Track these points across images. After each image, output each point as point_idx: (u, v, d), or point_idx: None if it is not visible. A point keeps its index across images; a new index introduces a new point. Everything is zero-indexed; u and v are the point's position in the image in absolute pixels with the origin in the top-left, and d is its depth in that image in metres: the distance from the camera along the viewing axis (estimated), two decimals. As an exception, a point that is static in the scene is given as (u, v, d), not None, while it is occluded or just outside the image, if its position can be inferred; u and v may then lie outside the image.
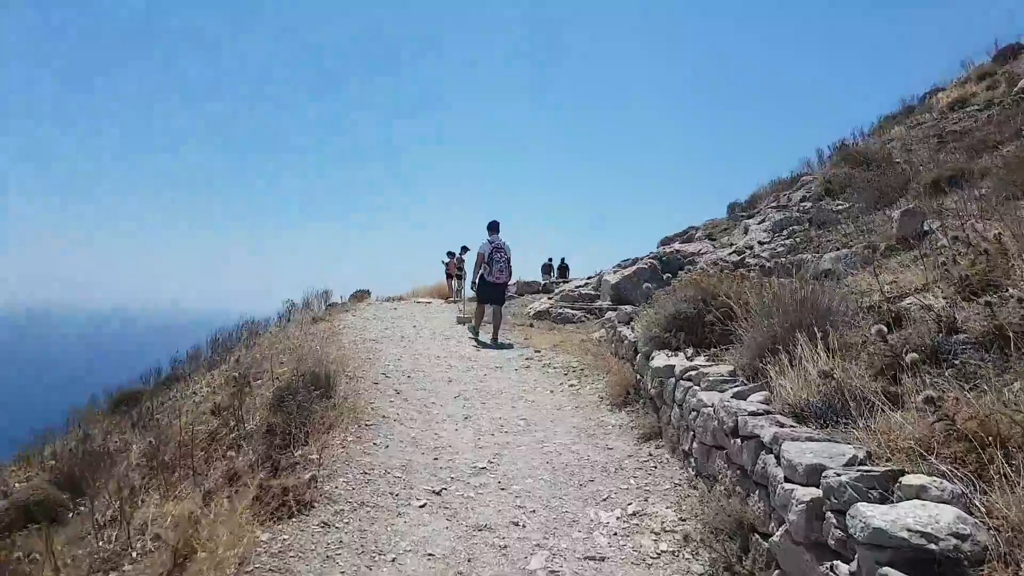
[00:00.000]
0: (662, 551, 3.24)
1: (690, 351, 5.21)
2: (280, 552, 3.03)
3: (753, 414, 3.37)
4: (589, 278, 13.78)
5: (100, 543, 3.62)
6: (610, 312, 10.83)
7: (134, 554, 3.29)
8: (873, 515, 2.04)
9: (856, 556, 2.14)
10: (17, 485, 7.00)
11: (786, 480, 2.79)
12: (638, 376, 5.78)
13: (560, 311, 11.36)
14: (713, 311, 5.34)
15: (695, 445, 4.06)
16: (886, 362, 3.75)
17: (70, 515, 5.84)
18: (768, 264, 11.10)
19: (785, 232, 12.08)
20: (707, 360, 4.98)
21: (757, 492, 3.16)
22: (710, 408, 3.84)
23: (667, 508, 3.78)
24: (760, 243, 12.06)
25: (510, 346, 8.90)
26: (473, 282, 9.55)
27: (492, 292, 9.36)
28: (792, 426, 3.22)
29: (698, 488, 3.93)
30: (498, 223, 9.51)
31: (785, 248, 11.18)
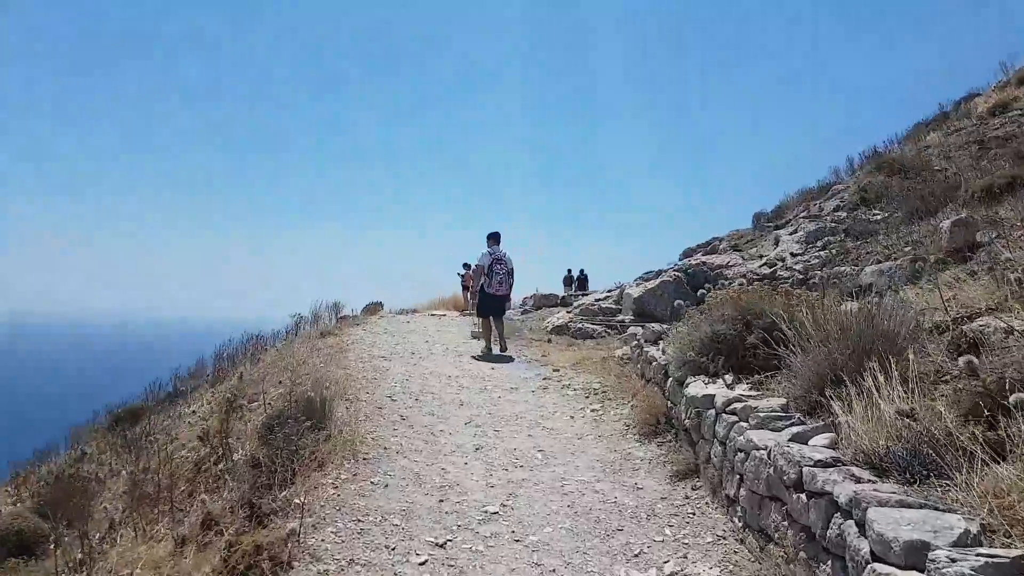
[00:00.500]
0: (711, 632, 2.64)
1: (730, 377, 4.60)
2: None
3: (821, 464, 2.77)
4: (609, 291, 13.17)
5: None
6: (633, 327, 10.21)
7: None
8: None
9: None
10: (4, 508, 6.59)
11: (875, 558, 2.19)
12: (669, 403, 5.17)
13: (580, 326, 10.76)
14: (756, 332, 4.73)
15: (743, 492, 3.46)
16: (976, 400, 3.13)
17: (48, 546, 5.38)
18: (802, 277, 10.45)
19: (819, 243, 11.40)
20: (750, 388, 4.38)
21: (830, 562, 2.55)
22: (763, 452, 3.24)
23: (711, 568, 3.17)
24: (793, 255, 11.38)
25: (510, 359, 8.59)
26: (473, 293, 9.35)
27: (492, 304, 9.11)
28: (871, 480, 2.61)
29: (747, 544, 3.32)
30: (499, 234, 9.26)
31: (820, 260, 10.51)
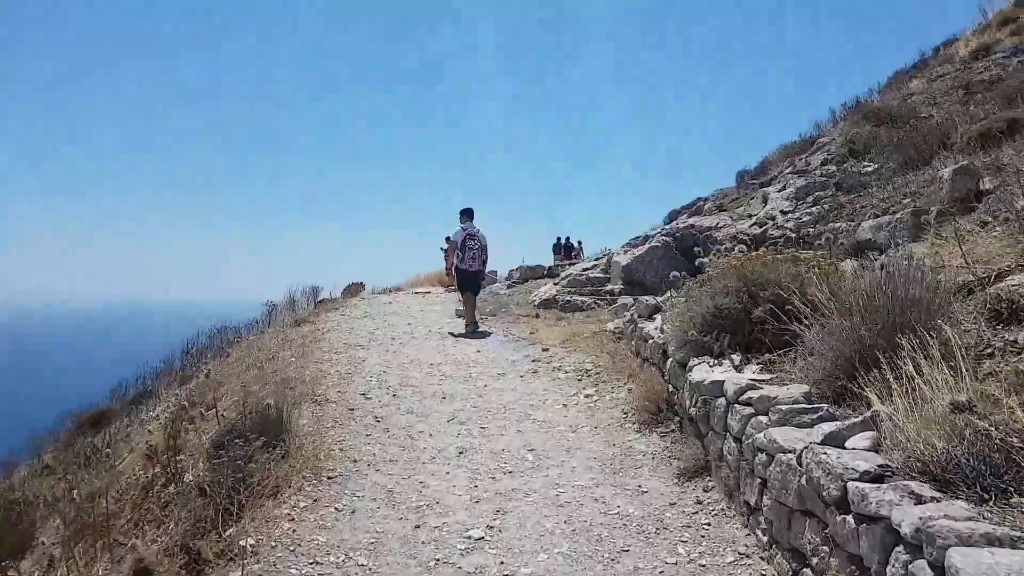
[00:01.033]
0: None
1: (737, 358, 4.06)
2: None
3: (869, 477, 2.24)
4: (597, 259, 12.60)
5: None
6: (623, 298, 9.67)
7: None
8: None
9: None
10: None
11: (966, 618, 1.66)
12: (670, 387, 4.64)
13: (568, 298, 10.19)
14: (763, 305, 4.18)
15: (766, 500, 2.93)
16: (1041, 382, 2.61)
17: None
18: (794, 235, 9.91)
19: (810, 199, 10.82)
20: (761, 370, 3.84)
21: (893, 606, 2.03)
22: (790, 456, 2.70)
23: (736, 597, 2.66)
24: (783, 212, 10.81)
25: (486, 334, 8.42)
26: (447, 271, 9.38)
27: (467, 280, 9.03)
28: (934, 499, 2.09)
29: (776, 565, 2.81)
30: (472, 210, 9.15)
31: (812, 217, 9.96)
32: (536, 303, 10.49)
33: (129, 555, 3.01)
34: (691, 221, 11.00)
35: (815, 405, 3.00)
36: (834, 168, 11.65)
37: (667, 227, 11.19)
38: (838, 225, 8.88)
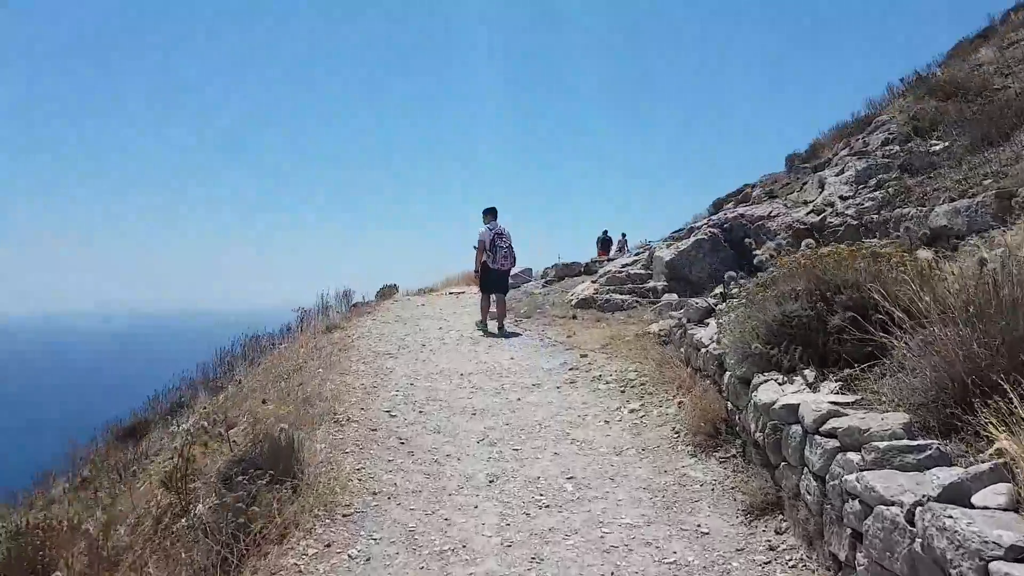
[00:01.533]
0: None
1: (811, 374, 3.49)
2: None
3: (1017, 556, 1.68)
4: (637, 254, 11.97)
5: None
6: (667, 295, 9.07)
7: None
8: None
9: None
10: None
11: None
12: (729, 404, 4.09)
13: (607, 297, 9.64)
14: (840, 312, 3.59)
15: (860, 558, 2.38)
16: None
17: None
18: (855, 223, 9.13)
19: (872, 183, 9.98)
20: (841, 388, 3.27)
21: None
22: (896, 510, 2.15)
23: None
24: (842, 198, 10.00)
25: (517, 335, 8.28)
26: (476, 271, 9.04)
27: (497, 279, 8.87)
28: None
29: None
30: (496, 209, 8.96)
31: (875, 203, 9.14)
32: (573, 303, 9.97)
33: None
34: (740, 211, 10.28)
35: (922, 442, 2.42)
36: (897, 148, 10.74)
37: (714, 217, 10.49)
38: (907, 211, 8.08)
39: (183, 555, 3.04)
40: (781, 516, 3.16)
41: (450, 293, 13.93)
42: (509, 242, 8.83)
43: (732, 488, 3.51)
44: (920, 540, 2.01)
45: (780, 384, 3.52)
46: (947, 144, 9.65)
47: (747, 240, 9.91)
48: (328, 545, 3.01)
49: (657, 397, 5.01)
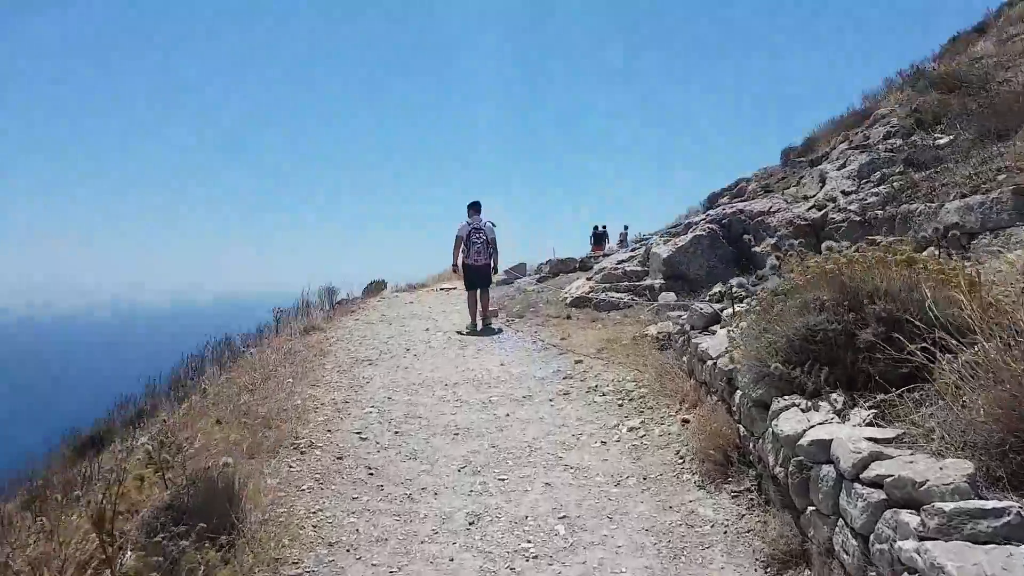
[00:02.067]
0: None
1: (839, 399, 2.98)
2: None
3: None
4: (633, 250, 11.46)
5: None
6: (665, 294, 8.57)
7: None
8: None
9: None
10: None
11: None
12: (741, 428, 3.58)
13: (602, 296, 9.12)
14: (872, 325, 3.09)
15: (926, 651, 1.88)
16: None
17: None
18: (859, 218, 8.65)
19: (875, 177, 9.48)
20: (875, 417, 2.76)
21: None
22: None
23: None
24: (845, 193, 9.50)
25: (499, 331, 8.18)
26: (455, 265, 8.88)
27: (473, 275, 8.65)
28: None
29: None
30: (479, 204, 8.85)
31: (879, 198, 8.65)
32: (567, 301, 9.45)
33: None
34: (739, 205, 9.77)
35: (997, 504, 1.91)
36: (900, 142, 10.25)
37: (712, 212, 9.98)
38: (914, 207, 7.59)
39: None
40: (807, 571, 2.66)
41: (440, 289, 13.38)
42: (487, 237, 8.62)
43: (748, 532, 3.00)
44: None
45: (804, 411, 3.00)
46: (952, 137, 9.15)
47: (746, 236, 9.44)
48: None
49: (658, 412, 4.51)
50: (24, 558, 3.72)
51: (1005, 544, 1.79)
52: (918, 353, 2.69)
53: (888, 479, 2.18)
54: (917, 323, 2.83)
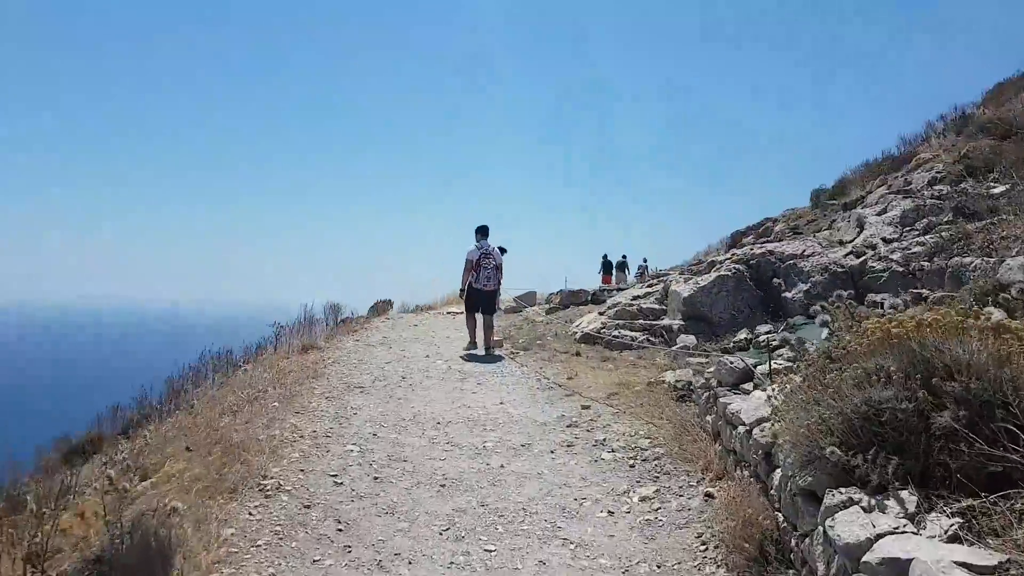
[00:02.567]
0: None
1: (910, 498, 2.37)
2: None
3: None
4: (651, 285, 10.88)
5: None
6: (684, 336, 7.97)
7: None
8: None
9: None
10: None
11: None
12: (779, 515, 2.97)
13: (615, 333, 8.54)
14: (952, 407, 2.49)
15: None
16: None
17: None
18: (902, 269, 8.04)
19: (920, 225, 8.88)
20: (961, 526, 2.16)
21: None
22: None
23: None
24: (886, 241, 8.90)
25: (500, 359, 7.90)
26: (461, 290, 8.65)
27: (481, 300, 8.48)
28: None
29: None
30: (487, 228, 8.68)
31: (925, 248, 8.05)
32: (577, 336, 8.88)
33: None
34: (769, 246, 9.18)
35: None
36: (947, 188, 9.64)
37: (739, 252, 9.40)
38: (967, 260, 6.96)
39: None
40: None
41: (448, 313, 12.87)
42: (496, 262, 8.52)
43: (790, 658, 2.38)
44: None
45: (866, 511, 2.40)
46: (1009, 186, 8.55)
47: (776, 280, 8.82)
48: None
49: (676, 480, 3.90)
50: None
51: None
52: (1016, 449, 2.11)
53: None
54: (1013, 409, 2.25)
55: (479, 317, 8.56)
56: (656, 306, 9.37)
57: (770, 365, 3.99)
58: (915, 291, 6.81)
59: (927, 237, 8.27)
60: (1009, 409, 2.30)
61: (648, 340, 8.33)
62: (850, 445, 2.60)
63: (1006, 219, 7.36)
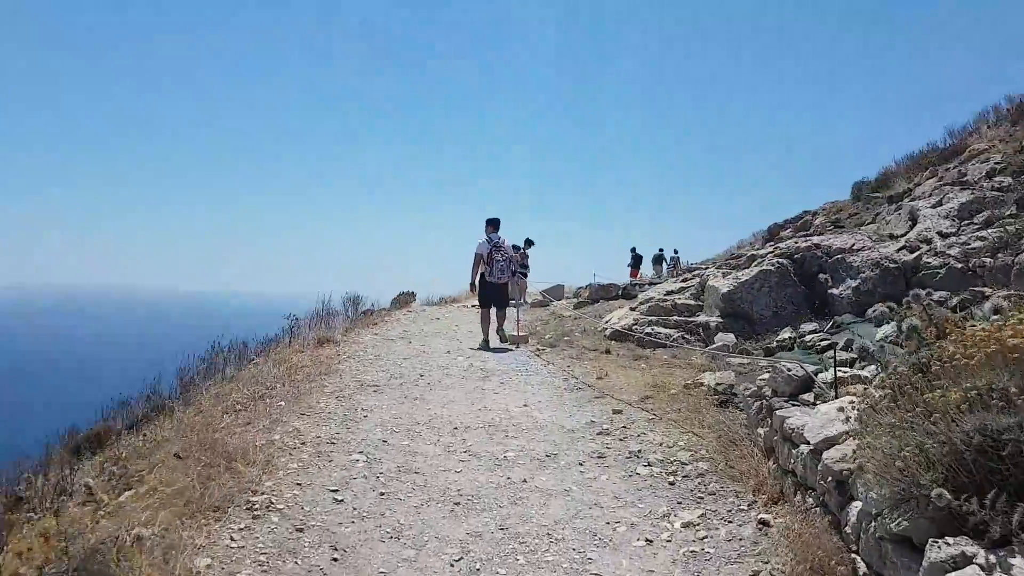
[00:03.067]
0: None
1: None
2: None
3: None
4: (685, 279, 10.27)
5: None
6: (722, 335, 7.38)
7: None
8: None
9: None
10: None
11: None
12: (858, 557, 2.44)
13: (647, 330, 7.99)
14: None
15: None
16: None
17: None
18: (961, 265, 7.30)
19: (979, 219, 8.11)
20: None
21: None
22: None
23: None
24: (942, 235, 8.13)
25: (510, 350, 7.85)
26: (472, 283, 8.46)
27: (493, 293, 8.37)
28: None
29: None
30: (498, 220, 8.48)
31: (987, 243, 7.31)
32: (607, 333, 8.35)
33: None
34: (815, 240, 8.49)
35: None
36: (1009, 180, 8.82)
37: (782, 245, 8.73)
38: (1038, 257, 6.25)
39: None
40: None
41: (472, 306, 12.44)
42: (508, 255, 8.44)
43: None
44: None
45: (985, 570, 1.87)
46: (1077, 178, 7.74)
47: (822, 276, 8.14)
48: None
49: (724, 502, 3.37)
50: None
51: None
52: None
53: None
54: None
55: (492, 312, 8.43)
56: (691, 302, 8.78)
57: (835, 374, 3.43)
58: (975, 289, 6.13)
59: (989, 231, 7.52)
60: None
61: (683, 338, 7.76)
62: (959, 484, 2.06)
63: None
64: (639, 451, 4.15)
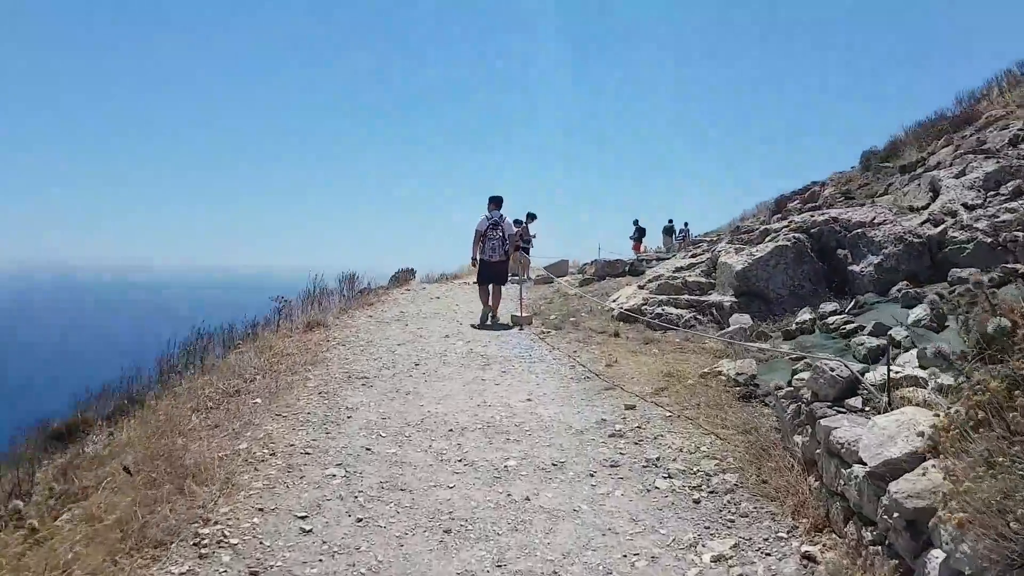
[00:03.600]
0: None
1: None
2: None
3: None
4: (694, 255, 9.65)
5: None
6: (738, 315, 6.80)
7: None
8: None
9: None
10: None
11: None
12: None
13: (657, 311, 7.41)
14: None
15: None
16: None
17: None
18: (990, 240, 6.70)
19: (1007, 189, 7.46)
20: None
21: None
22: None
23: None
24: (967, 207, 7.48)
25: (506, 327, 7.74)
26: (473, 259, 8.34)
27: (484, 271, 8.22)
28: None
29: None
30: (501, 198, 8.34)
31: (1017, 216, 6.70)
32: (615, 313, 7.79)
33: None
34: (833, 213, 7.85)
35: None
36: (1039, 148, 8.14)
37: (798, 219, 8.09)
38: (1080, 231, 5.62)
39: None
40: None
41: (474, 283, 11.88)
42: (504, 233, 8.22)
43: None
44: None
45: None
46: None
47: (840, 252, 7.52)
48: None
49: (759, 528, 2.84)
50: None
51: None
52: None
53: None
54: None
55: (489, 288, 8.25)
56: (703, 279, 8.17)
57: (888, 375, 2.86)
58: (1008, 265, 5.53)
59: (1019, 203, 6.88)
60: None
61: (696, 319, 7.19)
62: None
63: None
64: (657, 458, 3.61)
